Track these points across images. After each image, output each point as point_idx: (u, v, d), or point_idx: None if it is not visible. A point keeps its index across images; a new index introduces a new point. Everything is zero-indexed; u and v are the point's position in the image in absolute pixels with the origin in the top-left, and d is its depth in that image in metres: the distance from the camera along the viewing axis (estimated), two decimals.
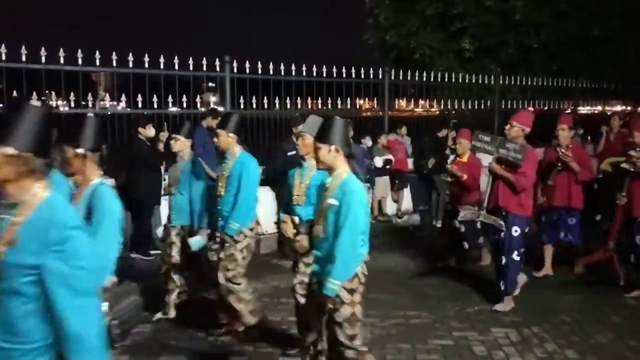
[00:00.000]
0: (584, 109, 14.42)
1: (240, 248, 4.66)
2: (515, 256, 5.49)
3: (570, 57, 14.49)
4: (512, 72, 12.73)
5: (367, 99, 11.01)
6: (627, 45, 14.84)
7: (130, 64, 7.44)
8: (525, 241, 5.60)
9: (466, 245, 6.91)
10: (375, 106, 10.60)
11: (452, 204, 6.97)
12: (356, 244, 3.29)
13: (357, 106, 10.21)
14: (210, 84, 10.13)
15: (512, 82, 12.22)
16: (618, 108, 17.09)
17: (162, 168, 7.13)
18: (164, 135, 7.02)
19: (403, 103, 12.65)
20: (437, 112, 12.88)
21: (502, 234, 5.47)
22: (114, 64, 7.32)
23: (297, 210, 4.26)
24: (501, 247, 5.55)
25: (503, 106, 12.19)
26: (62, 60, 7.02)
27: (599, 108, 15.13)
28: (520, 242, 5.49)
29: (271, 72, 8.82)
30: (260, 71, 8.73)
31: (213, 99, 11.14)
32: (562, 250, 6.73)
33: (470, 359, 4.54)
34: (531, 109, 12.53)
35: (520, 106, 12.55)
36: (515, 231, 5.44)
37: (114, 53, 7.28)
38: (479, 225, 6.42)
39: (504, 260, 5.52)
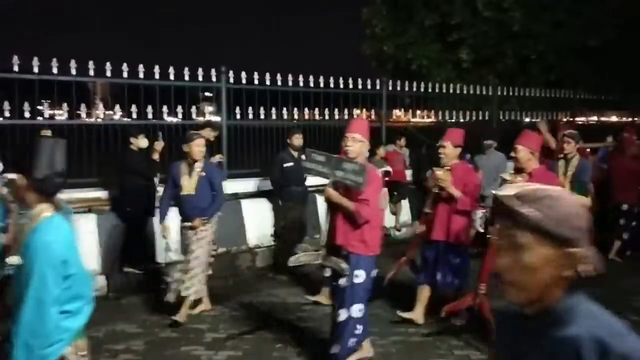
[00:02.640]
0: (581, 120, 14.38)
1: None
2: (357, 311, 4.30)
3: (569, 67, 14.45)
4: (510, 82, 12.66)
5: (364, 109, 10.94)
6: (625, 55, 14.83)
7: (125, 74, 7.33)
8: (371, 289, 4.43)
9: None
10: (373, 117, 10.49)
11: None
12: (45, 317, 2.32)
13: (355, 117, 10.08)
14: (207, 94, 10.04)
15: (510, 93, 12.15)
16: (614, 119, 17.08)
17: (157, 179, 7.01)
18: (159, 144, 6.90)
19: (401, 113, 12.57)
20: (434, 123, 12.80)
21: (344, 281, 4.29)
22: (108, 74, 7.22)
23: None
24: (341, 298, 4.33)
25: (501, 117, 12.12)
26: (55, 70, 6.93)
27: (595, 118, 15.10)
28: (364, 292, 4.32)
29: (268, 82, 8.73)
30: (256, 81, 8.65)
31: (209, 109, 11.04)
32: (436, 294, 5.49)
33: None
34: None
35: (519, 117, 12.51)
36: (357, 277, 4.26)
37: (108, 63, 7.18)
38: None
39: (341, 316, 4.30)
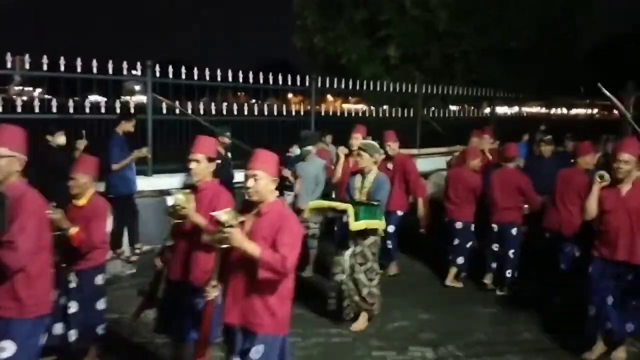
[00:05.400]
0: (501, 109, 15.05)
1: None
2: None
3: (489, 67, 15.10)
4: (435, 80, 13.08)
5: (293, 95, 10.97)
6: (541, 57, 15.70)
7: (45, 67, 7.08)
8: None
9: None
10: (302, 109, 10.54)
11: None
12: None
13: (285, 110, 10.09)
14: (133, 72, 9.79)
15: (435, 91, 12.56)
16: (534, 109, 18.04)
17: None
18: (81, 143, 6.73)
19: (331, 98, 12.69)
20: (363, 112, 12.99)
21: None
22: (27, 66, 6.94)
23: None
24: None
25: (425, 113, 12.49)
26: None
27: (516, 109, 15.95)
28: None
29: (195, 77, 8.64)
30: (183, 76, 8.52)
31: (137, 87, 10.74)
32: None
33: None
34: None
35: (442, 114, 12.95)
36: (4, 350, 3.13)
37: (27, 55, 6.90)
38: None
39: None
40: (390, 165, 7.14)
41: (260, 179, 3.26)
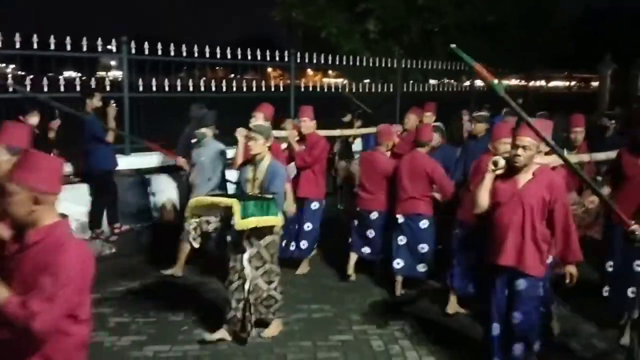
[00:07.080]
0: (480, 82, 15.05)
1: None
2: None
3: (469, 41, 15.09)
4: (415, 55, 13.04)
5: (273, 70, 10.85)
6: (520, 31, 15.80)
7: (18, 45, 6.91)
8: None
9: None
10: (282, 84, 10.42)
11: None
12: None
13: (265, 85, 10.01)
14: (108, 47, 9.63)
15: (414, 65, 12.52)
16: (513, 82, 18.22)
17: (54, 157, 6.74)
18: (55, 123, 6.63)
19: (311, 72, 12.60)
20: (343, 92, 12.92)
21: None
22: None
23: None
24: None
25: (405, 89, 12.47)
26: None
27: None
28: None
29: (172, 53, 8.50)
30: (160, 52, 8.37)
31: (112, 62, 10.53)
32: None
33: (368, 354, 4.72)
34: None
35: (422, 89, 12.94)
36: None
37: None
38: None
39: None
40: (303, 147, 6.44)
41: (17, 194, 2.27)
